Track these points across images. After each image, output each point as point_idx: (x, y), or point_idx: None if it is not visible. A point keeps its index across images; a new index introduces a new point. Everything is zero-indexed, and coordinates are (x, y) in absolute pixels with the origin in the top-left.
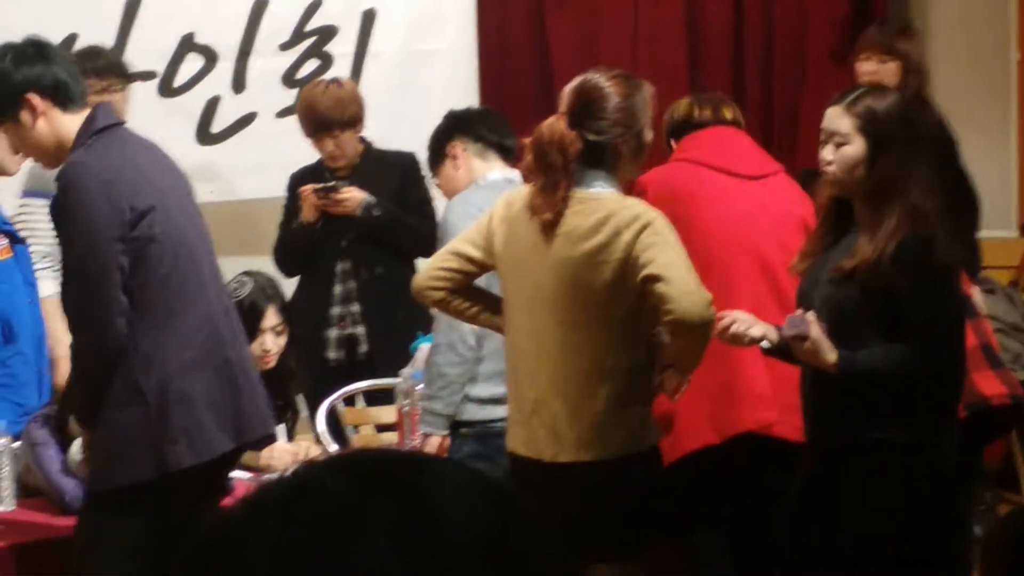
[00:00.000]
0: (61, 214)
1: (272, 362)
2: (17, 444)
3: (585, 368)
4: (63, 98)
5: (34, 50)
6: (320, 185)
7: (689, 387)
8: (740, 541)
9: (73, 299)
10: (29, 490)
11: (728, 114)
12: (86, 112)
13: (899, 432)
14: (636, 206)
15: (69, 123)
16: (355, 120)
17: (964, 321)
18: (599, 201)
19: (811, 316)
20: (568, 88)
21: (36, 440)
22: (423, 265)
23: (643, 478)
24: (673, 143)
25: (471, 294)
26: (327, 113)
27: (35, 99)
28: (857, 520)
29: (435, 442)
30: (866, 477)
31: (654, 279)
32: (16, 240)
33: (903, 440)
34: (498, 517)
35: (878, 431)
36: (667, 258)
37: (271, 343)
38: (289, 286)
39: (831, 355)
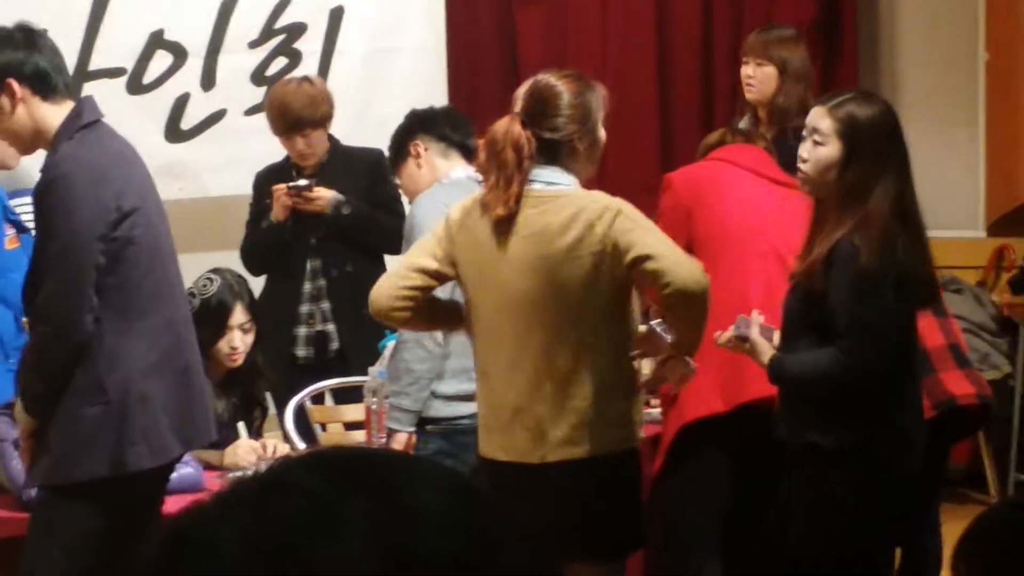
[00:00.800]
0: (45, 204)
1: (240, 360)
2: None
3: (567, 367)
4: (44, 87)
5: (22, 36)
6: (293, 184)
7: (699, 357)
8: (735, 520)
9: (45, 289)
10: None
11: (760, 143)
12: (69, 104)
13: (826, 437)
14: (602, 197)
15: (50, 113)
16: (326, 118)
17: (893, 329)
18: (565, 197)
19: (756, 318)
20: (520, 90)
21: (0, 435)
22: (384, 282)
23: (630, 476)
24: None
25: (434, 309)
26: (300, 112)
27: (14, 85)
28: (792, 521)
29: (402, 439)
30: (800, 481)
31: (643, 259)
32: (22, 230)
33: (828, 445)
34: (473, 515)
35: (811, 435)
36: (649, 238)
37: (239, 340)
38: (256, 284)
39: (765, 357)
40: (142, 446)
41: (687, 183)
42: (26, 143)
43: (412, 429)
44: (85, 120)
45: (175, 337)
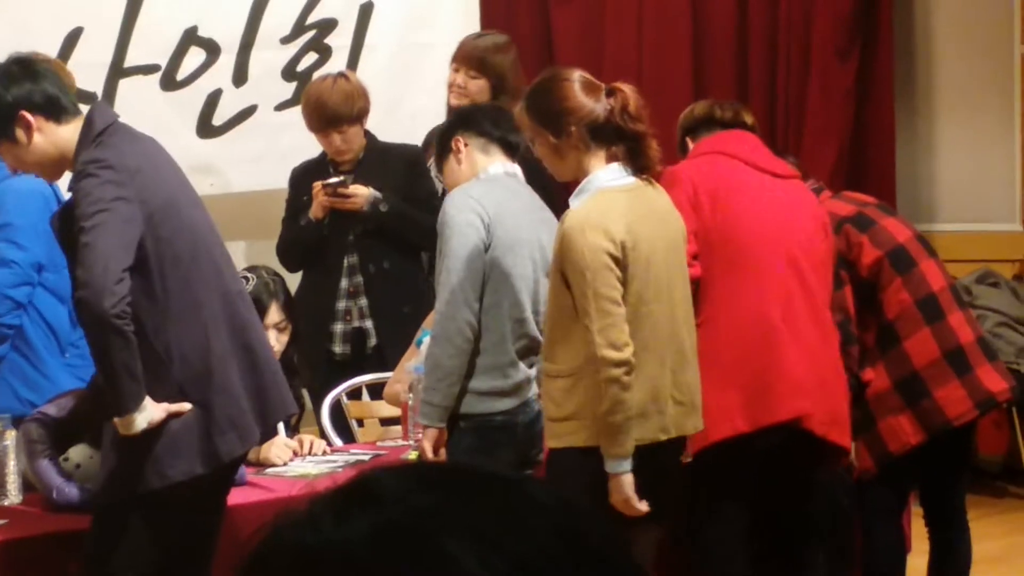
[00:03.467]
0: (71, 218)
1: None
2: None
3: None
4: (56, 111)
5: (19, 68)
6: (329, 181)
7: (721, 373)
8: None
9: (79, 276)
10: (29, 485)
11: (748, 118)
12: (80, 119)
13: None
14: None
15: (66, 134)
16: (363, 114)
17: None
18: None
19: None
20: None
21: (31, 437)
22: (613, 335)
23: None
24: (689, 141)
25: None
26: (336, 108)
27: (28, 116)
28: None
29: (432, 434)
30: None
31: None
32: None
33: None
34: (580, 552)
35: None
36: None
37: (273, 340)
38: (292, 279)
39: None
40: (231, 434)
41: (698, 177)
42: (54, 168)
43: (442, 425)
44: (98, 127)
45: (234, 319)
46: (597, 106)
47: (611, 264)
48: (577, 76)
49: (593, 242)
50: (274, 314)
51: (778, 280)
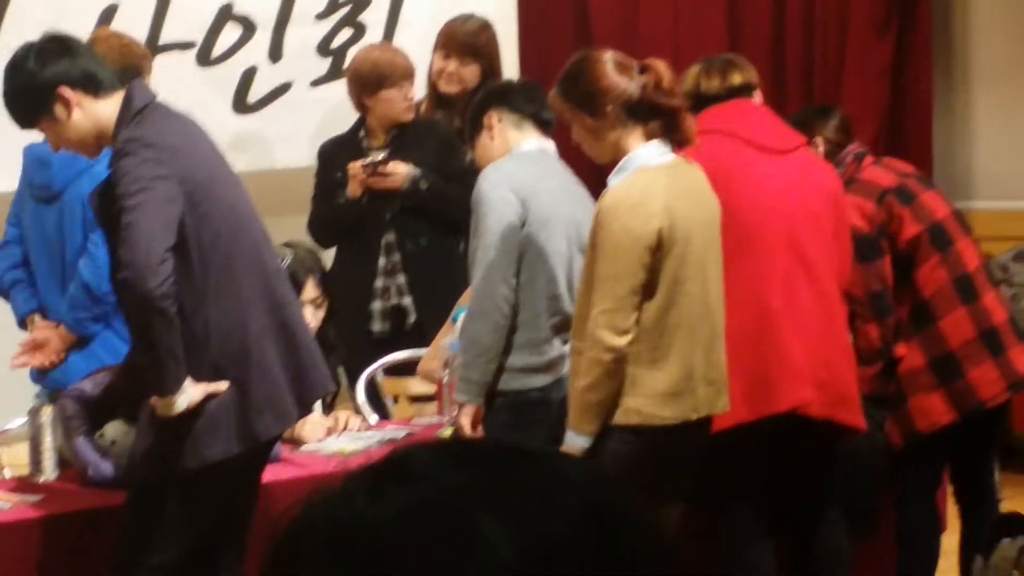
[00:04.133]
0: (111, 196)
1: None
2: None
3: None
4: (94, 86)
5: (56, 45)
6: (368, 160)
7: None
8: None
9: (120, 257)
10: (65, 461)
11: (737, 79)
12: (119, 94)
13: None
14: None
15: (105, 108)
16: None
17: None
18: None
19: None
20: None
21: (67, 413)
22: (615, 321)
23: None
24: None
25: None
26: (407, 61)
27: (67, 91)
28: None
29: (469, 410)
30: None
31: None
32: None
33: None
34: (605, 532)
35: None
36: None
37: (309, 316)
38: (326, 255)
39: None
40: (268, 414)
41: (698, 159)
42: (91, 146)
43: (479, 401)
44: (137, 105)
45: (271, 297)
46: (631, 84)
47: (642, 248)
48: (609, 56)
49: (629, 223)
50: (310, 290)
51: (779, 265)
